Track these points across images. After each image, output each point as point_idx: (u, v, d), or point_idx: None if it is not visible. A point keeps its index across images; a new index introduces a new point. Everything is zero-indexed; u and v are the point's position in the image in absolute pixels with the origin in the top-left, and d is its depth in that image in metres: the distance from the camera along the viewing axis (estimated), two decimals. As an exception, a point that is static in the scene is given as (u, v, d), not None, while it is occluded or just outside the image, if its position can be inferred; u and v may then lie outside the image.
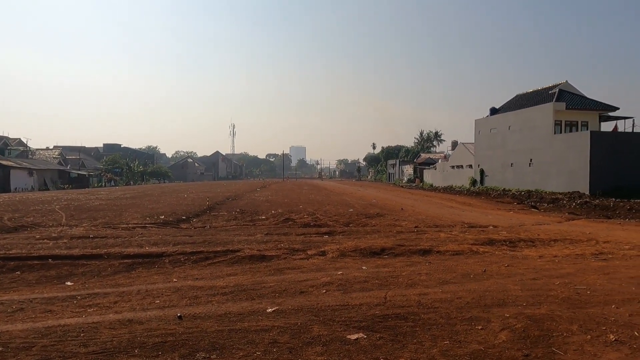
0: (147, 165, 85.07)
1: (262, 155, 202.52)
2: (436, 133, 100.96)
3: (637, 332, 4.18)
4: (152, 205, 19.94)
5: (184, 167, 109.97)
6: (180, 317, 4.58)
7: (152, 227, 12.69)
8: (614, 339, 4.01)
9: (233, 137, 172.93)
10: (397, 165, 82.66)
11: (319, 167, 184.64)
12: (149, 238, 10.12)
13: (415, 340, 4.00)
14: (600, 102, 35.39)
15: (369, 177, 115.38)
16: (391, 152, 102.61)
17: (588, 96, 36.47)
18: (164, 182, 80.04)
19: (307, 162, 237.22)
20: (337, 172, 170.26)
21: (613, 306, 5.04)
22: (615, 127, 36.54)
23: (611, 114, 35.63)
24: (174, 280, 6.52)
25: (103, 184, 63.28)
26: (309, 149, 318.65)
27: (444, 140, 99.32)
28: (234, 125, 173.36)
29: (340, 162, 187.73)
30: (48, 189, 47.37)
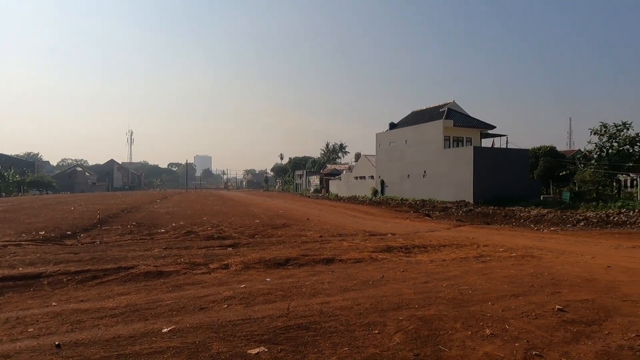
0: (25, 174, 75.11)
1: (163, 165, 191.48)
2: (341, 145, 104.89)
3: (508, 325, 4.72)
4: (31, 219, 17.63)
5: (72, 176, 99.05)
6: (58, 346, 4.07)
7: (28, 244, 11.20)
8: (489, 333, 4.48)
9: (131, 144, 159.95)
10: (304, 176, 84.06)
11: (225, 177, 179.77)
12: (23, 257, 8.89)
13: (316, 350, 4.04)
14: (481, 121, 39.94)
15: (276, 187, 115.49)
16: (298, 163, 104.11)
17: (471, 115, 40.94)
18: (47, 193, 71.30)
19: (212, 172, 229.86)
20: (244, 183, 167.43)
21: (489, 303, 5.65)
22: (493, 143, 41.54)
23: (489, 131, 40.39)
24: (54, 304, 5.79)
25: (-33, 196, 54.33)
26: (215, 159, 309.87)
27: (348, 152, 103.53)
28: (131, 132, 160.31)
29: (247, 172, 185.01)
30: None
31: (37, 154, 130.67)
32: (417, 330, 4.54)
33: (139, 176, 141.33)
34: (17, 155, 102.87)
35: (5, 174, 66.37)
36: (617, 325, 4.76)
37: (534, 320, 4.91)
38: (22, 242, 11.40)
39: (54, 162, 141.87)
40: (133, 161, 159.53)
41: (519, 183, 32.71)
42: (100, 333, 4.48)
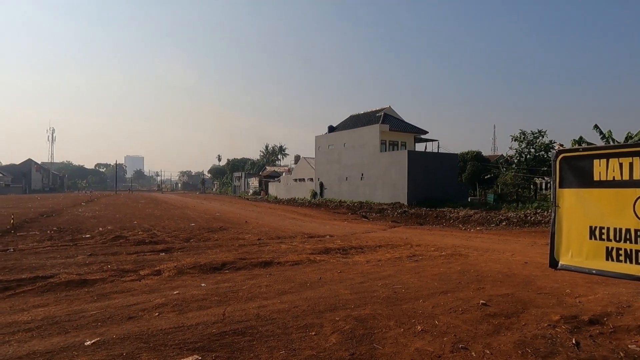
0: None
1: (90, 165, 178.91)
2: (281, 147, 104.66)
3: (437, 321, 4.97)
4: None
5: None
6: (-41, 367, 3.64)
7: None
8: (420, 329, 4.68)
9: (52, 143, 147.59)
10: (243, 178, 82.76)
11: (159, 178, 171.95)
12: None
13: (252, 355, 3.98)
14: (415, 126, 41.83)
15: (214, 189, 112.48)
16: (237, 165, 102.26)
17: (406, 120, 42.73)
18: (-49, 196, 63.66)
19: (145, 173, 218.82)
20: (179, 185, 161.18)
21: (421, 301, 5.90)
22: (425, 147, 43.65)
23: (422, 136, 42.41)
24: (-45, 320, 5.17)
25: None
26: (148, 160, 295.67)
27: (288, 154, 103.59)
28: (53, 129, 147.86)
29: (183, 173, 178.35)
30: None
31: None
32: (353, 330, 4.63)
33: (61, 177, 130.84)
34: None
35: None
36: (532, 316, 5.18)
37: (460, 315, 5.20)
38: None
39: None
40: (55, 161, 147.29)
41: (449, 185, 34.64)
42: (11, 350, 4.07)
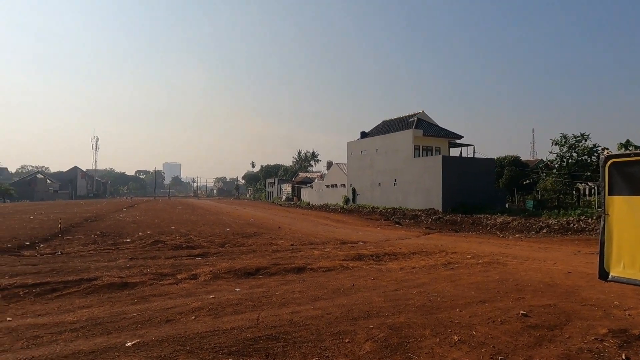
0: (-19, 182, 71.34)
1: (130, 172, 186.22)
2: (313, 153, 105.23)
3: (475, 331, 4.82)
4: (-15, 229, 16.71)
5: (32, 184, 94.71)
6: (12, 364, 3.85)
7: (-18, 256, 10.59)
8: (457, 339, 4.55)
9: (96, 151, 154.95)
10: (276, 184, 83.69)
11: (195, 185, 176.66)
12: (-24, 270, 8.40)
13: (285, 361, 3.99)
14: (450, 131, 41.02)
15: (248, 195, 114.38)
16: (270, 171, 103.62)
17: (440, 125, 41.99)
18: (4, 202, 67.89)
19: (182, 179, 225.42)
20: (214, 191, 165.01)
21: (457, 310, 5.75)
22: (461, 152, 42.69)
23: (457, 141, 41.52)
24: (8, 319, 5.48)
25: None
26: (185, 166, 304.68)
27: (320, 160, 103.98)
28: (97, 138, 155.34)
29: (218, 180, 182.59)
30: None
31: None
32: (387, 339, 4.56)
33: (104, 184, 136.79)
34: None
35: (-42, 181, 62.82)
36: (577, 329, 4.93)
37: (499, 326, 5.03)
38: (-24, 254, 10.77)
39: (12, 169, 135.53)
40: (98, 168, 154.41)
41: (485, 191, 33.68)
42: (58, 349, 4.27)
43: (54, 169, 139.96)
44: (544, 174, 38.58)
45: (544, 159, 46.94)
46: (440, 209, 31.38)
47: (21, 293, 6.77)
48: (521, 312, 5.55)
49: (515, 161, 45.63)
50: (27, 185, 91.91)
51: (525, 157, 63.71)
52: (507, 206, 34.68)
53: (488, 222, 23.71)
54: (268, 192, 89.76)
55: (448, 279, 8.05)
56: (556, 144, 34.63)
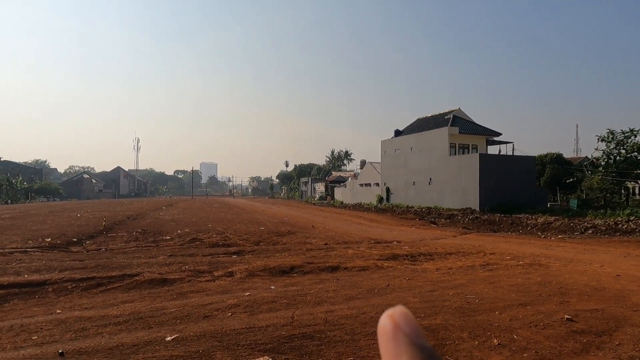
0: (33, 181, 75.76)
1: (169, 172, 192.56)
2: (346, 152, 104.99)
3: (516, 335, 4.64)
4: (37, 226, 17.73)
5: (78, 183, 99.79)
6: (61, 354, 4.05)
7: (34, 251, 11.24)
8: (497, 343, 4.40)
9: (137, 152, 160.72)
10: (310, 183, 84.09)
11: (230, 184, 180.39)
12: (29, 264, 8.92)
13: (320, 359, 3.99)
14: (487, 128, 39.82)
15: (281, 194, 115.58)
16: (304, 170, 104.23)
17: (477, 122, 40.83)
18: (54, 200, 71.81)
19: (218, 179, 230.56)
20: (249, 190, 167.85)
21: (497, 312, 5.56)
22: (499, 150, 41.36)
23: (495, 138, 40.23)
24: (58, 311, 5.79)
25: (-25, 203, 54.83)
26: (221, 166, 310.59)
27: (353, 159, 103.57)
28: (138, 140, 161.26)
29: (253, 179, 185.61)
30: None
31: (45, 162, 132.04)
32: (423, 340, 4.47)
33: (145, 183, 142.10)
34: (25, 162, 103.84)
35: (13, 180, 67.00)
36: (627, 335, 4.66)
37: (542, 330, 4.82)
38: (28, 249, 11.44)
39: (61, 170, 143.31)
40: (139, 168, 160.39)
41: (525, 190, 32.47)
42: (103, 341, 4.46)
43: (98, 169, 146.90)
44: (589, 172, 36.75)
45: (589, 156, 44.73)
46: (477, 209, 30.53)
47: (69, 287, 7.13)
48: (566, 316, 5.31)
49: (557, 159, 43.74)
50: (75, 185, 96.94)
51: (568, 154, 60.94)
52: (548, 206, 33.28)
53: (528, 222, 22.83)
54: (302, 191, 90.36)
55: (486, 280, 7.81)
56: (602, 140, 32.85)
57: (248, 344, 4.36)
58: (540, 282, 7.63)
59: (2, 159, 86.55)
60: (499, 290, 6.94)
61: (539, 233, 19.63)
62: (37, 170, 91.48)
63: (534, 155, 39.29)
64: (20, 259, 9.71)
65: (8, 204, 55.78)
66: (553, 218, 23.03)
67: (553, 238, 17.68)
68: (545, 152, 44.66)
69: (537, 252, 12.37)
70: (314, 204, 59.22)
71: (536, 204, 31.13)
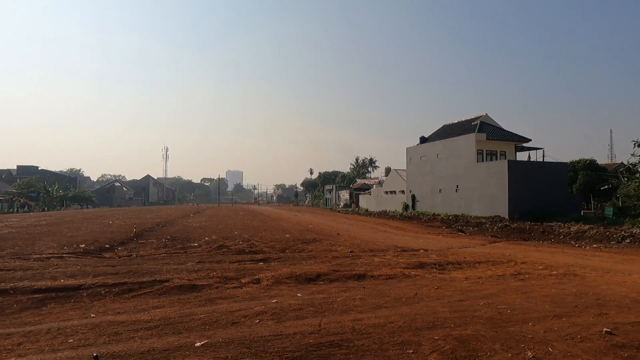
0: (68, 189, 78.75)
1: (196, 180, 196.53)
2: (371, 159, 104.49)
3: (551, 348, 4.48)
4: (72, 232, 18.38)
5: (110, 191, 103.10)
6: (96, 357, 4.17)
7: (70, 257, 11.65)
8: (531, 356, 4.26)
9: (166, 160, 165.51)
10: (334, 191, 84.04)
11: (256, 192, 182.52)
12: (65, 269, 9.25)
13: (348, 368, 3.96)
14: (516, 134, 38.88)
15: (306, 202, 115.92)
16: (328, 178, 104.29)
17: (505, 128, 39.93)
18: (88, 208, 74.41)
19: (243, 186, 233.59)
20: (274, 197, 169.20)
21: (530, 324, 5.39)
22: (529, 156, 40.28)
23: (525, 144, 39.21)
24: (92, 315, 5.97)
25: (15, 210, 57.38)
26: (246, 174, 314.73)
27: (378, 167, 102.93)
28: (167, 148, 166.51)
29: (277, 187, 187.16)
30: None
31: (79, 170, 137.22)
32: (454, 351, 4.37)
33: (173, 191, 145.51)
34: (60, 171, 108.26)
35: (49, 189, 69.90)
36: (672, 350, 4.42)
37: (579, 343, 4.64)
38: (64, 255, 11.87)
39: (94, 178, 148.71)
40: (168, 176, 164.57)
41: (557, 198, 31.44)
42: (135, 345, 4.56)
43: (129, 177, 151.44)
44: (626, 179, 35.27)
45: (625, 162, 42.94)
46: (506, 217, 29.73)
47: (102, 292, 7.35)
48: (604, 329, 5.08)
49: (590, 165, 42.18)
50: (107, 193, 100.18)
51: (602, 160, 58.66)
52: (582, 213, 32.10)
53: (561, 230, 22.06)
54: (326, 198, 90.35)
55: (518, 290, 7.58)
56: (639, 145, 31.51)
57: (276, 351, 4.37)
58: (576, 292, 7.35)
59: (39, 168, 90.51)
60: (531, 300, 6.72)
61: (573, 242, 18.94)
62: (71, 179, 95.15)
63: (565, 161, 38.07)
64: (56, 264, 10.08)
65: (45, 211, 58.18)
66: (587, 226, 22.18)
67: (588, 247, 17.02)
68: (577, 158, 43.19)
69: (572, 261, 11.93)
70: (339, 211, 59.08)
71: (569, 211, 30.08)
